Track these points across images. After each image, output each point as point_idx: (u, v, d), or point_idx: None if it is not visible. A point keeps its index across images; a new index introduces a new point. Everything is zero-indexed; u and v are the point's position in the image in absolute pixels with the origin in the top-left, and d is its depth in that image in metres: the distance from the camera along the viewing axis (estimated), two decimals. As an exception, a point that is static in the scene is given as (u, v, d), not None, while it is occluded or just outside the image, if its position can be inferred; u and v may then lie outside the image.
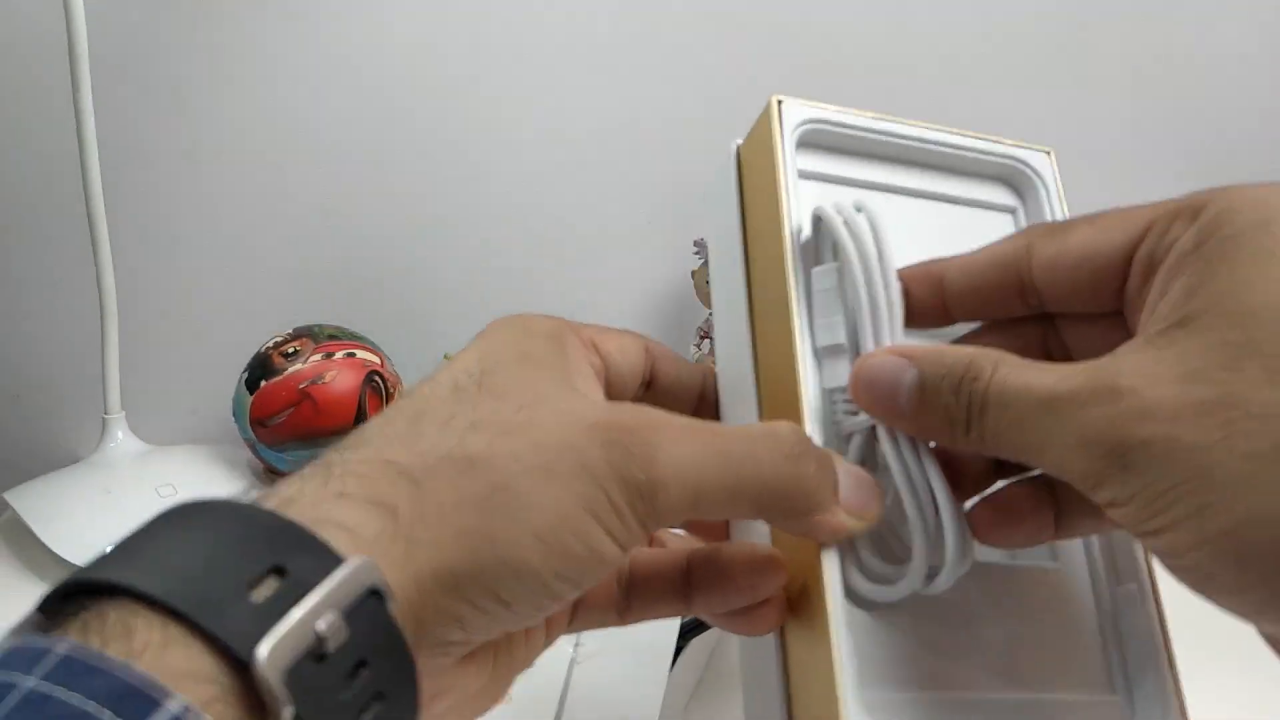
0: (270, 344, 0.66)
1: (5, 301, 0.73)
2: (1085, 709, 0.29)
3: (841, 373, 0.29)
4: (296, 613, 0.19)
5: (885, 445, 0.28)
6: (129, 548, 0.20)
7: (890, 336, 0.28)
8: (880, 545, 0.28)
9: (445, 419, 0.24)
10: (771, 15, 0.71)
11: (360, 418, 0.64)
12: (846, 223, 0.29)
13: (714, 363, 0.34)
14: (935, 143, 0.35)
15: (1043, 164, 0.36)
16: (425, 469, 0.23)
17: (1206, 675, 0.32)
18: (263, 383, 0.64)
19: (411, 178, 0.73)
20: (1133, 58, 0.73)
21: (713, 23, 0.71)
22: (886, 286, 0.29)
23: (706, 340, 0.71)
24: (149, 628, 0.18)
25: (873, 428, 0.28)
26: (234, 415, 0.66)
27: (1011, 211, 0.36)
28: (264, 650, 0.18)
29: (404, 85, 0.71)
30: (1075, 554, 0.31)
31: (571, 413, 0.24)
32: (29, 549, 0.60)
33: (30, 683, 0.17)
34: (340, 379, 0.64)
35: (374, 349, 0.67)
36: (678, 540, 0.32)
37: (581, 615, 0.30)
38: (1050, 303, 0.28)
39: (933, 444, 0.28)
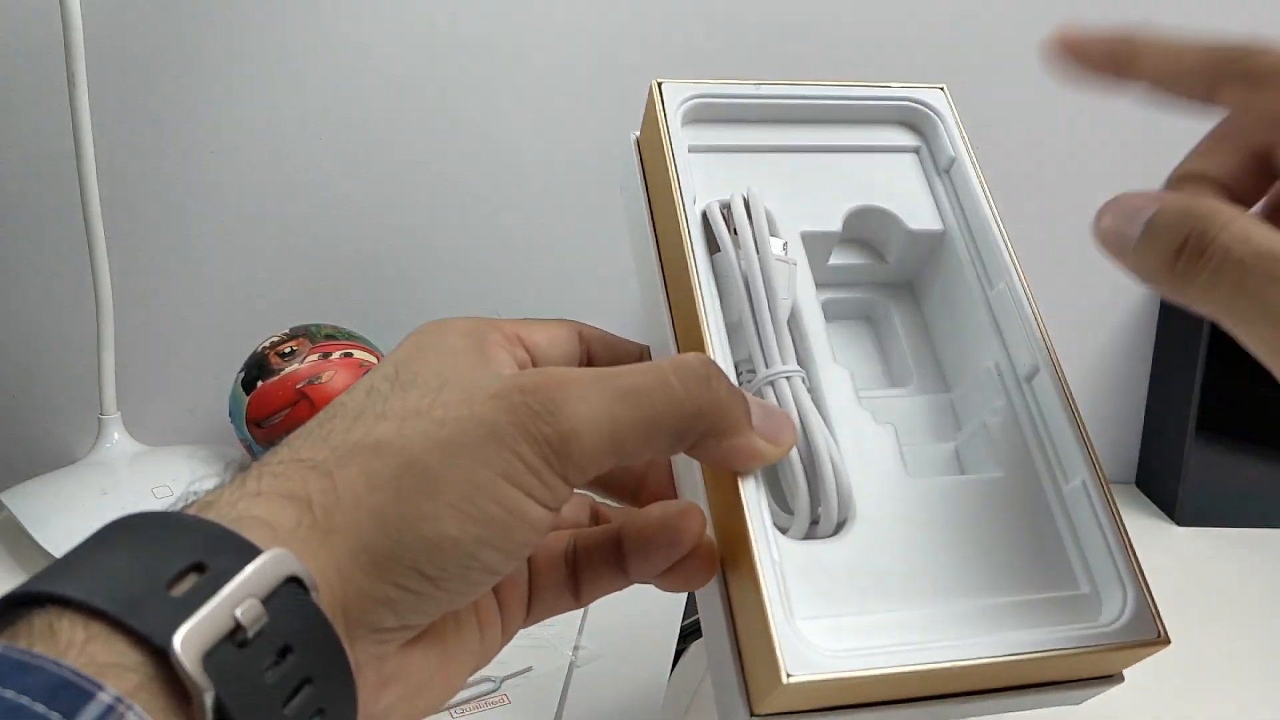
0: (267, 344, 0.66)
1: (0, 301, 0.73)
2: (1053, 605, 0.29)
3: (746, 347, 0.31)
4: (213, 601, 0.20)
5: (775, 394, 0.30)
6: (59, 563, 0.21)
7: (773, 320, 0.31)
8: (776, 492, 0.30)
9: (355, 415, 0.25)
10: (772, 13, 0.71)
11: (358, 418, 0.64)
12: (728, 220, 0.32)
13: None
14: (825, 97, 0.36)
15: (938, 100, 0.37)
16: (336, 460, 0.24)
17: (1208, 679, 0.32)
18: (259, 383, 0.64)
19: (409, 178, 0.72)
20: None
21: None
22: (767, 278, 0.31)
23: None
24: (72, 627, 0.19)
25: (771, 385, 0.30)
26: (230, 415, 0.66)
27: (915, 151, 0.37)
28: (178, 637, 0.19)
29: (403, 84, 0.70)
30: (1020, 460, 0.32)
31: (475, 385, 0.25)
32: (24, 550, 0.60)
33: None
34: (337, 379, 0.63)
35: (371, 349, 0.67)
36: (618, 513, 0.33)
37: (537, 604, 0.31)
38: None
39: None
